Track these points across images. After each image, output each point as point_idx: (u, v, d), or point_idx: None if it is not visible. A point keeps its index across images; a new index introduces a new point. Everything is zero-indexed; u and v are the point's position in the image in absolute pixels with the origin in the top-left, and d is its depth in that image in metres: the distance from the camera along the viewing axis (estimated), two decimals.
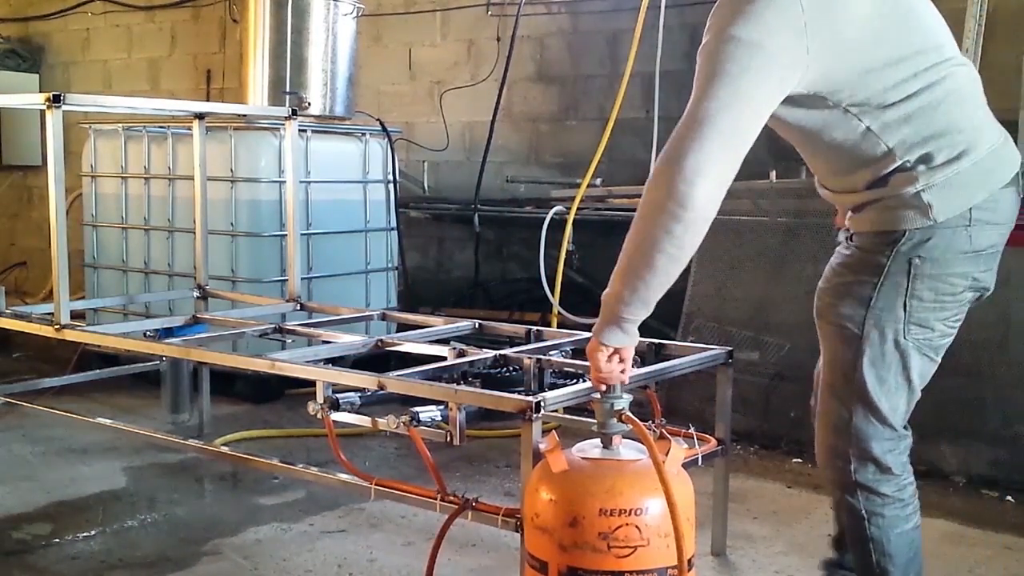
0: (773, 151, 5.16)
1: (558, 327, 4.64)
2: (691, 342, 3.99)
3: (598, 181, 5.28)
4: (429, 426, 2.69)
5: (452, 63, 6.28)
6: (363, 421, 2.87)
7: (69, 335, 3.74)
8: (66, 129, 3.68)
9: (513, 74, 5.81)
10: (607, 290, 2.21)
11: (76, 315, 3.91)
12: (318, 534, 3.41)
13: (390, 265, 5.70)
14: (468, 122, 6.21)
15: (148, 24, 7.62)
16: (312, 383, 2.96)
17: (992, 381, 3.98)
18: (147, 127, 5.34)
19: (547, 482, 2.23)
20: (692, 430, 2.88)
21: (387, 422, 2.73)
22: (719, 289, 4.72)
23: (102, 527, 3.49)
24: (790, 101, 2.10)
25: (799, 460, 4.24)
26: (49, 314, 3.86)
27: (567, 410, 3.08)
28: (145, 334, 3.73)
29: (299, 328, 3.76)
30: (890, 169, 2.16)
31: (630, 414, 2.25)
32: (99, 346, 5.07)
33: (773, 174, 4.80)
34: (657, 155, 5.04)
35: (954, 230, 2.17)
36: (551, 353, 3.21)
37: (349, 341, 3.49)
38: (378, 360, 4.12)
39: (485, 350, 3.23)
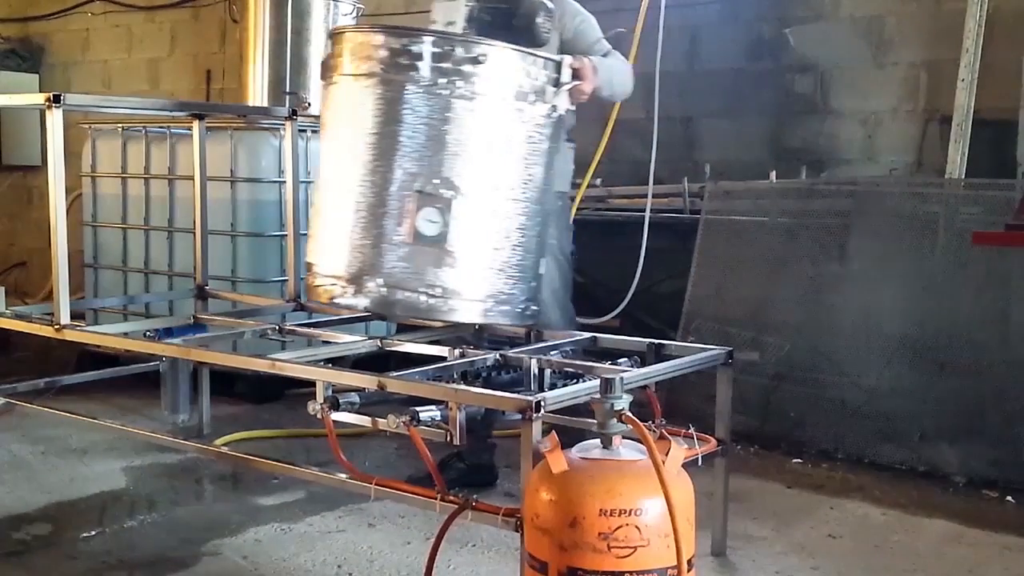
0: (774, 151, 5.18)
1: None
2: (691, 342, 3.99)
3: (598, 181, 5.28)
4: (429, 426, 2.69)
5: None
6: (363, 421, 2.87)
7: (69, 335, 3.74)
8: (66, 129, 3.67)
9: None
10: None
11: (76, 315, 3.90)
12: (318, 534, 3.41)
13: None
14: None
15: (148, 24, 7.62)
16: (312, 383, 2.96)
17: (992, 381, 3.99)
18: (147, 127, 5.33)
19: (547, 482, 2.23)
20: (692, 430, 2.87)
21: (387, 422, 2.73)
22: (719, 289, 4.72)
23: (102, 527, 3.49)
24: None
25: (799, 460, 4.24)
26: (49, 314, 3.85)
27: (567, 410, 3.08)
28: (145, 334, 3.73)
29: (299, 328, 3.76)
30: None
31: (630, 414, 2.25)
32: (99, 346, 5.06)
33: (773, 174, 4.81)
34: (657, 155, 5.13)
35: None
36: (551, 353, 3.21)
37: (349, 341, 3.48)
38: (378, 360, 4.12)
39: (485, 350, 3.23)
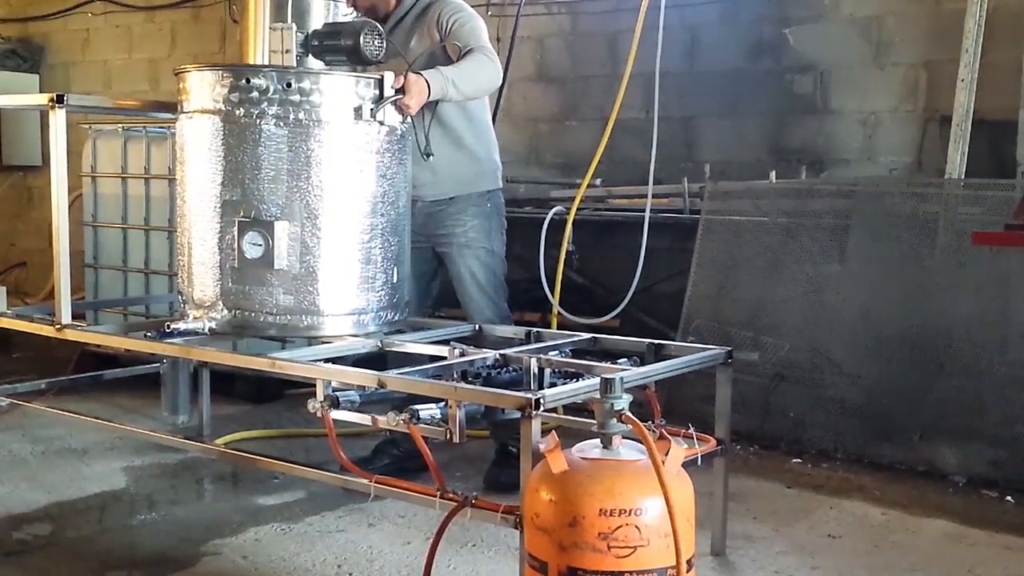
0: (774, 151, 5.19)
1: (558, 327, 4.64)
2: (691, 342, 3.99)
3: (598, 181, 5.28)
4: (429, 423, 2.69)
5: None
6: (363, 419, 2.87)
7: (70, 335, 3.74)
8: (66, 129, 3.68)
9: (513, 74, 5.80)
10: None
11: (76, 316, 3.91)
12: (318, 534, 3.42)
13: None
14: None
15: (148, 24, 7.62)
16: (311, 384, 2.96)
17: (992, 381, 3.99)
18: (147, 127, 5.33)
19: (547, 482, 2.24)
20: (692, 430, 2.88)
21: (387, 419, 2.73)
22: (719, 289, 4.72)
23: (102, 527, 3.49)
24: None
25: (799, 460, 4.24)
26: (50, 314, 3.85)
27: (567, 410, 3.08)
28: (145, 334, 3.73)
29: None
30: None
31: (630, 414, 2.25)
32: (99, 346, 5.06)
33: (773, 174, 4.81)
34: (657, 155, 5.16)
35: None
36: (551, 353, 3.21)
37: (349, 341, 3.48)
38: (378, 361, 4.12)
39: (485, 350, 3.23)
